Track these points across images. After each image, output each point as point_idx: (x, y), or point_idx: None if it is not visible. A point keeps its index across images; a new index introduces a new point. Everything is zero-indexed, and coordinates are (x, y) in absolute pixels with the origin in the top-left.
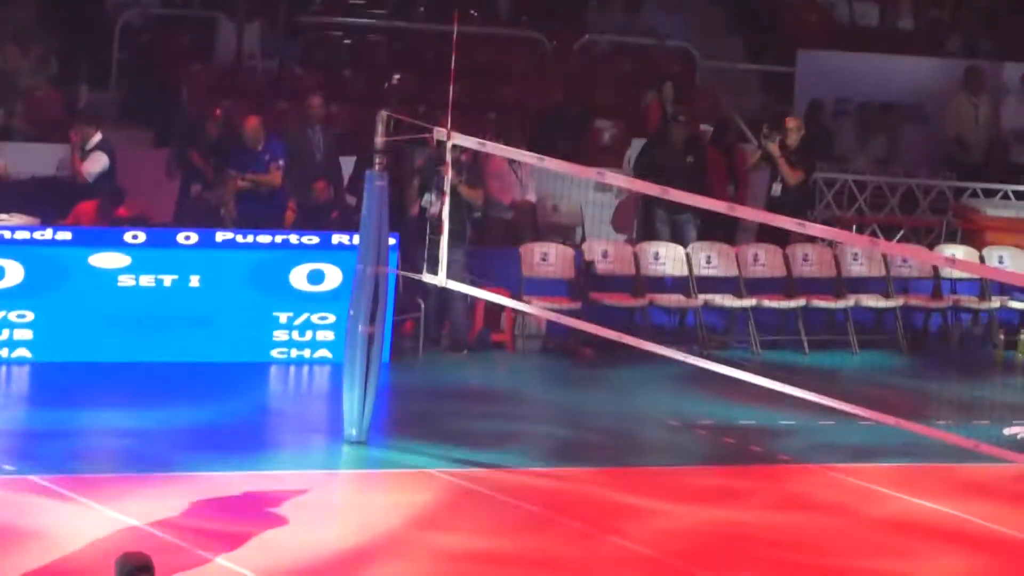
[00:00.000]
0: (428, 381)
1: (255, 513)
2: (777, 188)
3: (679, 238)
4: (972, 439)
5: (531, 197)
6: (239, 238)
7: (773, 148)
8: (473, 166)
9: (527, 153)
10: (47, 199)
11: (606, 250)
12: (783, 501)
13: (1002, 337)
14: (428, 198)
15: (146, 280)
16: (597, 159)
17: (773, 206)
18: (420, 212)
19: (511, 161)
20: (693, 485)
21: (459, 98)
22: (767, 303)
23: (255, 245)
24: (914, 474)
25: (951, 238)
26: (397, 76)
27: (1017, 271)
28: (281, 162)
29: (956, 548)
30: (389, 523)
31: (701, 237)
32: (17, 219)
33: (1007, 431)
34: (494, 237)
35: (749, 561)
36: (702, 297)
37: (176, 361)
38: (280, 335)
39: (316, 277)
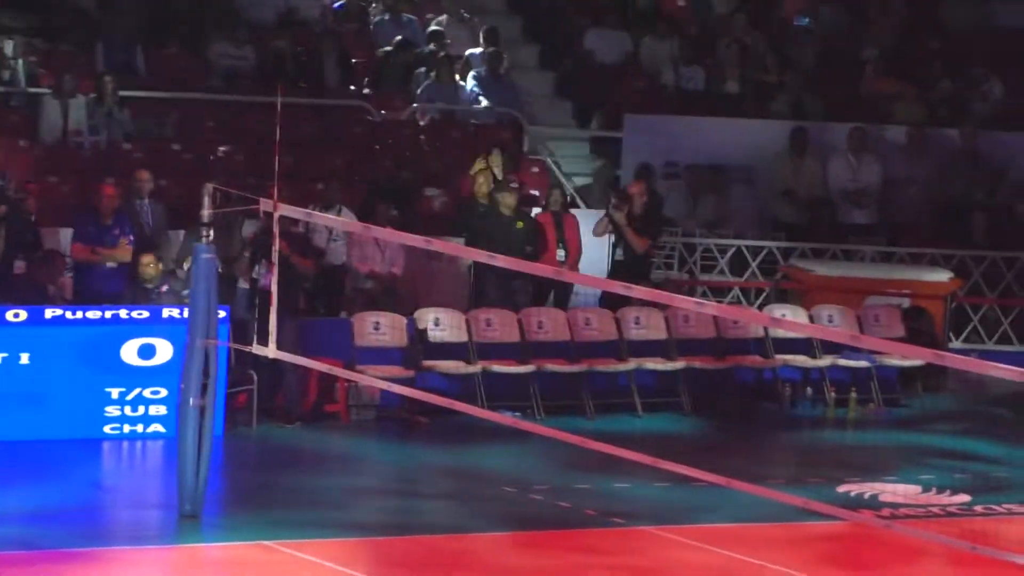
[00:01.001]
0: (262, 453)
1: None
2: (620, 253)
3: (511, 304)
4: (802, 497)
5: (396, 269)
6: (68, 314)
7: (620, 217)
8: (303, 236)
9: (353, 222)
10: None
11: (438, 318)
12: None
13: (833, 395)
14: (258, 269)
15: None
16: (427, 227)
17: (617, 270)
18: (251, 284)
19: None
20: (528, 551)
21: (287, 169)
22: (600, 368)
23: (85, 321)
24: (744, 533)
25: (781, 298)
26: (223, 148)
27: (845, 330)
28: (131, 237)
29: None
30: None
31: (534, 302)
32: None
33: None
34: (353, 307)
35: None
36: (536, 361)
37: (7, 440)
38: (112, 411)
39: (147, 352)
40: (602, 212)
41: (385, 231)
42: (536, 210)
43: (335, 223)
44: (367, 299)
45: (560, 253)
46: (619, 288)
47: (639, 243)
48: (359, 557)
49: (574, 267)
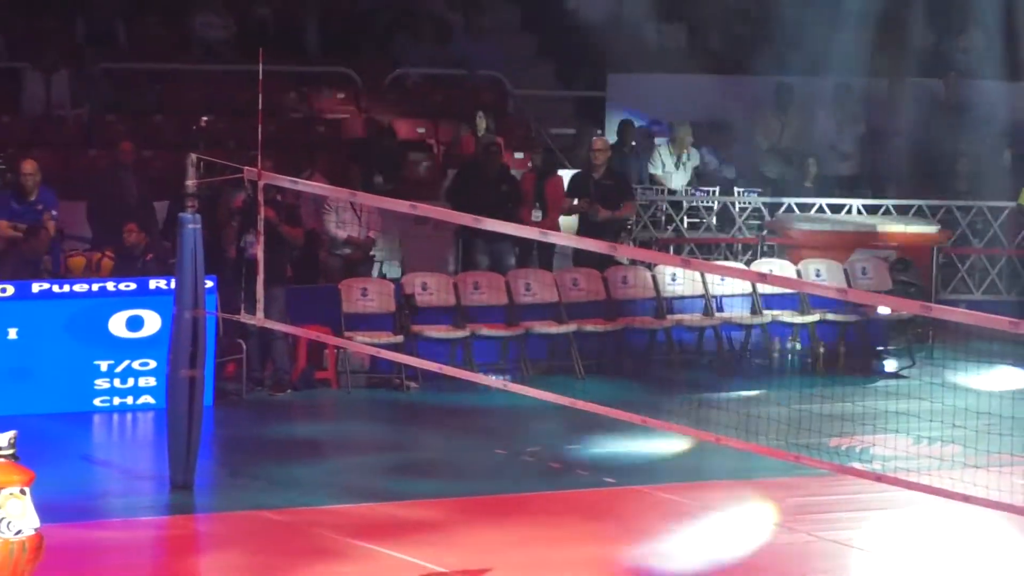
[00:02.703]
0: (252, 422)
1: (86, 565)
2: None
3: (498, 266)
4: (793, 452)
5: (372, 234)
6: (55, 288)
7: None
8: (291, 205)
9: (340, 189)
10: None
11: (425, 282)
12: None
13: (822, 350)
14: (246, 238)
15: None
16: (412, 192)
17: (590, 229)
18: (238, 253)
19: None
20: (522, 511)
21: (270, 137)
22: (588, 328)
23: (72, 294)
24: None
25: (768, 254)
26: (206, 118)
27: (833, 284)
28: (55, 212)
29: None
30: (220, 566)
31: (520, 264)
32: None
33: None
34: (331, 274)
35: None
36: (524, 324)
37: None
38: (101, 383)
39: (135, 323)
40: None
41: (371, 197)
42: (520, 172)
43: (319, 191)
44: (344, 265)
45: (536, 214)
46: (605, 248)
47: (609, 215)
48: (351, 524)
49: (554, 227)
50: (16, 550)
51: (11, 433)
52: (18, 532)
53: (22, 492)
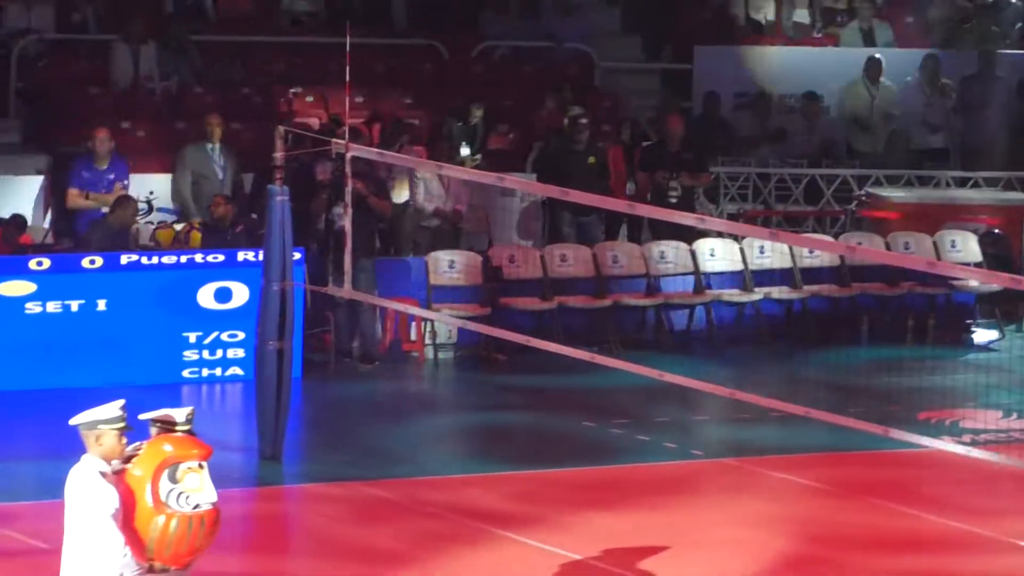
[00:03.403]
0: (340, 394)
1: None
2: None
3: (585, 239)
4: (882, 426)
5: (460, 206)
6: (144, 260)
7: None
8: (379, 177)
9: (427, 161)
10: None
11: (512, 255)
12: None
13: (911, 323)
14: (335, 210)
15: (53, 306)
16: (499, 164)
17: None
18: (327, 225)
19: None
20: (614, 484)
21: (358, 109)
22: (676, 300)
23: (160, 266)
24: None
25: (856, 226)
26: (294, 90)
27: (922, 257)
28: (126, 182)
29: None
30: (309, 536)
31: (608, 237)
32: None
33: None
34: (419, 246)
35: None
36: (611, 297)
37: (86, 387)
38: (190, 355)
39: (224, 295)
40: None
41: (459, 169)
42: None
43: (406, 162)
44: (432, 237)
45: (630, 186)
46: (693, 220)
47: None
48: (440, 496)
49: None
50: (194, 524)
51: (189, 409)
52: (196, 506)
53: (200, 466)
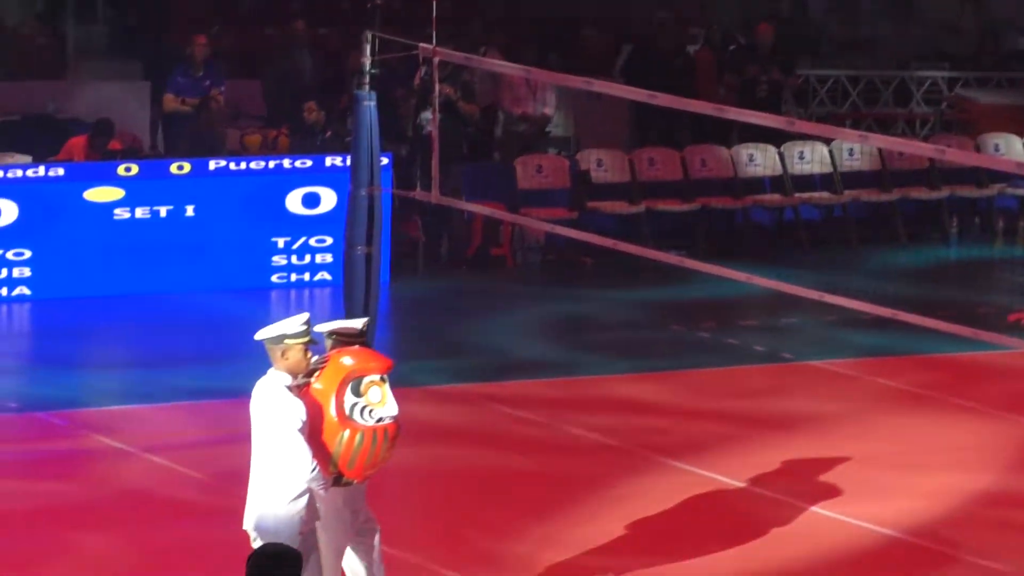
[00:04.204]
0: (428, 299)
1: None
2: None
3: (673, 143)
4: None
5: (548, 110)
6: (232, 166)
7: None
8: (468, 82)
9: (514, 65)
10: (38, 136)
11: (600, 159)
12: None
13: (1001, 225)
14: (423, 116)
15: (141, 212)
16: (586, 68)
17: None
18: (416, 130)
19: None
20: (703, 386)
21: (444, 14)
22: (765, 202)
23: (248, 172)
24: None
25: (946, 129)
26: None
27: (1012, 158)
28: (221, 88)
29: None
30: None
31: (695, 140)
32: (9, 158)
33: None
34: (508, 150)
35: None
36: (699, 200)
37: (175, 292)
38: (279, 260)
39: (312, 200)
40: None
41: (546, 73)
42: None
43: (493, 66)
44: (520, 142)
45: (720, 89)
46: (782, 123)
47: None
48: (528, 399)
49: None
50: (378, 438)
51: (364, 320)
52: (379, 420)
53: (382, 380)
